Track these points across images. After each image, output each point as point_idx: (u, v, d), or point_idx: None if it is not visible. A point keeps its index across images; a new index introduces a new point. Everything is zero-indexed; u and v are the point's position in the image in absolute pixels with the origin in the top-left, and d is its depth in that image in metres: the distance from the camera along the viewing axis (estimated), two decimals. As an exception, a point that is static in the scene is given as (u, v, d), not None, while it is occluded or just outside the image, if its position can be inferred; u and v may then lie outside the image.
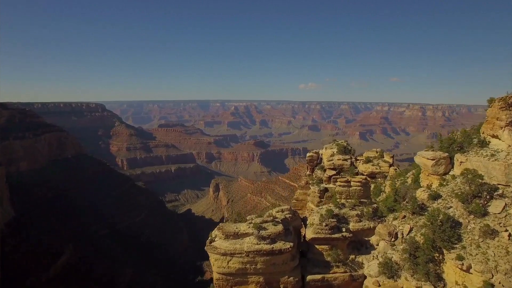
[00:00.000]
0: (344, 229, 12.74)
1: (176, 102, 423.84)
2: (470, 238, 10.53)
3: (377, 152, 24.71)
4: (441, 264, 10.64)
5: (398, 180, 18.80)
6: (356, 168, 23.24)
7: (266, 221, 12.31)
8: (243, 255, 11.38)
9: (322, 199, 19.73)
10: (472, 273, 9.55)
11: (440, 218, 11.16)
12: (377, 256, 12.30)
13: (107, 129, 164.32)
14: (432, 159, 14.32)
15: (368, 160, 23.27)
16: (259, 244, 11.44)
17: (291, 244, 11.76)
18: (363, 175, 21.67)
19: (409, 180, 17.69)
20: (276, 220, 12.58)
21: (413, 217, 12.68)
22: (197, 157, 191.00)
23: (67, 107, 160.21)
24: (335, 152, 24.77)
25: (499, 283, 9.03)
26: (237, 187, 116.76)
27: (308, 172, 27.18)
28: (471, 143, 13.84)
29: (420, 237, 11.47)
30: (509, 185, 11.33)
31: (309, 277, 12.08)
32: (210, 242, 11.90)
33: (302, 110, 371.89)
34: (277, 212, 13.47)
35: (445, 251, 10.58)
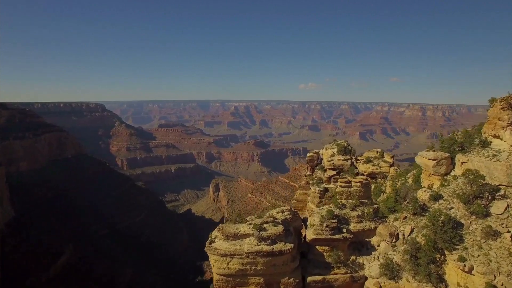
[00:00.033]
0: (344, 230, 12.66)
1: (176, 102, 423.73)
2: (472, 239, 10.45)
3: (377, 152, 24.65)
4: (443, 265, 10.57)
5: (398, 181, 18.71)
6: (357, 168, 23.19)
7: (266, 222, 12.23)
8: (243, 256, 11.31)
9: (322, 199, 19.68)
10: (474, 275, 9.48)
11: (441, 219, 11.08)
12: (378, 257, 12.23)
13: (107, 129, 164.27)
14: (433, 160, 14.24)
15: (368, 160, 23.22)
16: (259, 245, 11.38)
17: (292, 245, 11.69)
18: (363, 175, 21.61)
19: (410, 181, 17.62)
20: (277, 221, 12.51)
21: (414, 217, 12.61)
22: (197, 157, 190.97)
23: (67, 107, 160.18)
24: (335, 152, 24.72)
25: (502, 284, 8.96)
26: (237, 187, 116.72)
27: (308, 172, 27.13)
28: (472, 143, 13.76)
29: (421, 238, 11.39)
30: (511, 186, 11.25)
31: (309, 278, 12.01)
32: (210, 243, 11.84)
33: (302, 110, 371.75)
34: (278, 212, 13.39)
35: (446, 252, 10.50)
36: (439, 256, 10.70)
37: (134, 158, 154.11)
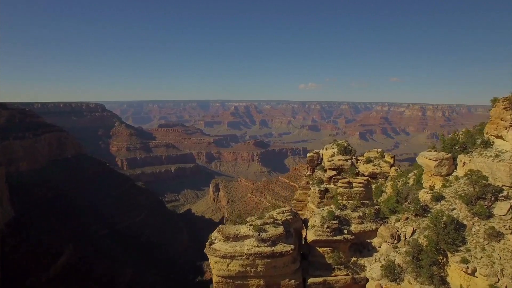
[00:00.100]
0: (345, 231, 12.55)
1: (176, 102, 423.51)
2: (474, 241, 10.32)
3: (377, 153, 24.55)
4: (445, 267, 10.44)
5: (399, 181, 18.62)
6: (357, 168, 23.10)
7: (267, 223, 12.12)
8: (243, 257, 11.22)
9: (323, 200, 19.52)
10: (477, 277, 9.37)
11: (443, 220, 10.96)
12: (379, 258, 12.11)
13: (107, 129, 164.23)
14: (435, 160, 14.14)
15: (368, 161, 23.12)
16: (260, 246, 11.28)
17: (292, 246, 11.58)
18: (363, 175, 21.56)
19: (411, 181, 17.52)
20: (277, 222, 12.40)
21: (416, 218, 12.49)
22: (197, 157, 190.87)
23: (67, 107, 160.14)
24: (335, 153, 24.63)
25: (506, 287, 8.85)
26: (237, 187, 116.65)
27: (308, 173, 27.05)
28: (474, 144, 13.65)
29: (423, 239, 11.27)
30: (514, 187, 11.16)
31: (310, 280, 11.91)
32: (210, 245, 11.73)
33: (302, 110, 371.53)
34: (278, 213, 13.28)
35: (449, 254, 10.38)
36: (441, 257, 10.58)
37: (134, 158, 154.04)
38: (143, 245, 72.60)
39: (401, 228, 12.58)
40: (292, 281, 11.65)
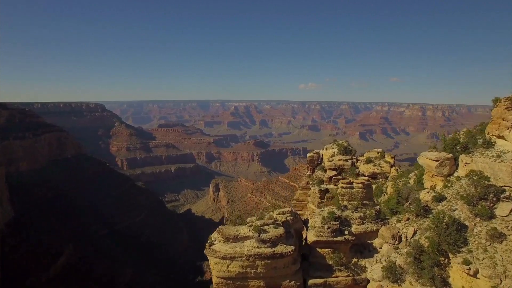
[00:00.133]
0: (346, 232, 12.47)
1: (176, 102, 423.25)
2: (476, 242, 10.24)
3: (378, 153, 24.47)
4: (447, 268, 10.35)
5: (400, 181, 18.54)
6: (357, 168, 23.02)
7: (267, 224, 12.05)
8: (243, 258, 11.14)
9: (323, 200, 19.46)
10: (479, 278, 9.28)
11: (445, 220, 10.88)
12: (380, 259, 12.04)
13: (107, 129, 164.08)
14: (436, 160, 14.08)
15: (369, 161, 23.03)
16: (260, 247, 11.20)
17: (293, 247, 11.51)
18: (364, 175, 21.48)
19: (412, 181, 17.43)
20: (277, 222, 12.32)
21: (417, 219, 12.40)
22: (197, 157, 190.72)
23: (67, 107, 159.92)
24: (335, 153, 24.56)
25: (508, 288, 8.78)
26: (237, 187, 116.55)
27: (308, 173, 26.98)
28: (476, 144, 13.58)
29: (424, 240, 11.19)
30: (516, 187, 11.09)
31: (310, 281, 11.84)
32: (210, 245, 11.65)
33: (302, 110, 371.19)
34: (278, 214, 13.20)
35: (451, 255, 10.30)
36: (443, 259, 10.50)
37: (134, 158, 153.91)
38: (143, 245, 72.55)
39: (402, 229, 12.50)
40: (293, 282, 11.58)
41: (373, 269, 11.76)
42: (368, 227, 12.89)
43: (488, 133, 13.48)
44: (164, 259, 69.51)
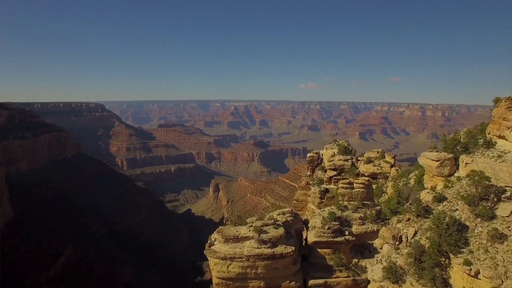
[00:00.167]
0: (347, 232, 12.45)
1: (176, 102, 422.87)
2: (477, 242, 10.21)
3: (378, 153, 24.46)
4: (448, 269, 10.33)
5: (400, 181, 18.53)
6: (357, 168, 23.00)
7: (267, 224, 12.02)
8: (243, 259, 11.11)
9: (323, 200, 19.45)
10: (480, 279, 9.25)
11: (446, 221, 10.85)
12: (381, 260, 12.01)
13: (107, 129, 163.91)
14: (436, 160, 14.06)
15: (369, 161, 23.02)
16: (260, 248, 11.17)
17: (293, 248, 11.48)
18: (364, 175, 21.46)
19: (412, 181, 17.42)
20: (277, 223, 12.29)
21: (418, 219, 12.38)
22: (197, 157, 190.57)
23: (66, 107, 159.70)
24: (335, 153, 24.54)
25: (509, 289, 8.74)
26: (237, 187, 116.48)
27: (308, 173, 26.96)
28: (476, 144, 13.57)
29: (425, 240, 11.16)
30: (517, 187, 11.05)
31: (311, 282, 11.82)
32: (210, 246, 11.62)
33: (302, 110, 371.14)
34: (278, 214, 13.18)
35: (451, 256, 10.27)
36: (443, 259, 10.46)
37: (134, 158, 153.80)
38: (143, 245, 72.49)
39: (403, 229, 12.47)
40: (293, 283, 11.55)
41: (374, 269, 11.73)
42: (368, 228, 12.86)
43: (488, 133, 13.48)
44: (164, 259, 69.45)
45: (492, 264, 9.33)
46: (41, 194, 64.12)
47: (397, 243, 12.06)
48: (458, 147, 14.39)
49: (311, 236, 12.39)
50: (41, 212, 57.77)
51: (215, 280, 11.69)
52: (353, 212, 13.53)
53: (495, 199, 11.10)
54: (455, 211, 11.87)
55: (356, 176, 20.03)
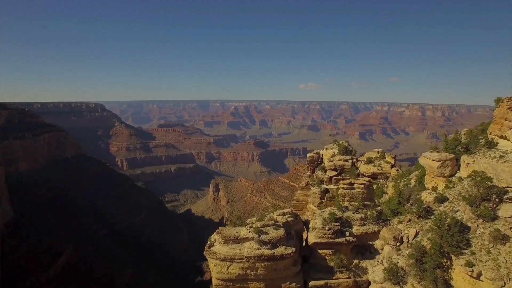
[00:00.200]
0: (347, 233, 12.37)
1: (175, 102, 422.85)
2: (479, 244, 10.13)
3: (378, 153, 24.40)
4: (449, 270, 10.25)
5: (401, 181, 18.45)
6: (357, 168, 22.93)
7: (267, 225, 11.95)
8: (243, 260, 11.04)
9: (323, 200, 19.39)
10: (482, 281, 9.18)
11: (447, 222, 10.77)
12: (381, 261, 11.94)
13: (106, 129, 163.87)
14: (438, 161, 13.98)
15: (369, 161, 22.95)
16: (260, 249, 11.10)
17: (293, 249, 11.42)
18: (364, 176, 21.39)
19: (413, 182, 17.33)
20: (278, 224, 12.22)
21: (419, 220, 12.30)
22: (196, 157, 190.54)
23: (66, 107, 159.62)
24: (336, 153, 24.48)
25: (511, 291, 8.66)
26: (237, 187, 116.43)
27: (308, 173, 26.89)
28: (477, 144, 13.49)
29: (426, 241, 11.08)
30: (519, 188, 10.97)
31: (311, 283, 11.75)
32: (209, 247, 11.56)
33: (301, 110, 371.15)
34: (279, 215, 13.10)
35: (453, 257, 10.19)
36: (445, 260, 10.38)
37: (134, 158, 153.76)
38: (143, 245, 72.45)
39: (404, 230, 12.39)
40: (293, 284, 11.49)
41: (375, 270, 11.65)
42: (369, 228, 12.78)
43: (490, 133, 13.40)
44: (164, 259, 69.41)
45: (494, 266, 9.25)
46: (41, 194, 64.05)
47: (398, 244, 11.99)
48: (459, 148, 14.34)
49: (311, 237, 12.32)
50: (41, 212, 57.71)
51: (215, 282, 11.61)
52: (353, 212, 13.45)
53: (497, 200, 11.02)
54: (456, 212, 11.79)
55: (357, 176, 19.95)
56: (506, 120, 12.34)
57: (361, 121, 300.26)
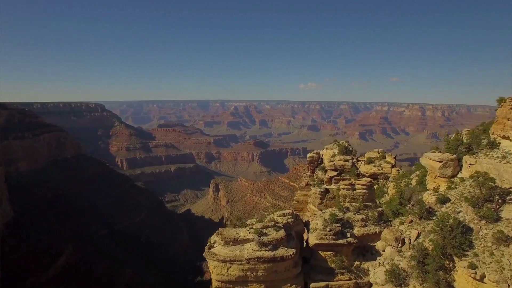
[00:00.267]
0: (348, 234, 12.27)
1: (175, 102, 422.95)
2: (482, 245, 10.02)
3: (379, 153, 24.30)
4: (452, 272, 10.14)
5: (401, 182, 18.34)
6: (358, 169, 22.83)
7: (267, 226, 11.84)
8: (244, 262, 10.94)
9: (323, 201, 19.27)
10: (486, 283, 9.07)
11: (449, 223, 10.65)
12: (383, 262, 11.83)
13: (106, 129, 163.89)
14: (439, 161, 13.86)
15: (369, 161, 22.85)
16: (260, 250, 11.00)
17: (294, 250, 11.32)
18: (365, 176, 21.29)
19: (414, 182, 17.23)
20: (278, 225, 12.12)
21: (421, 221, 12.18)
22: (196, 157, 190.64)
23: (66, 107, 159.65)
24: (336, 153, 24.38)
25: (515, 293, 8.55)
26: (237, 187, 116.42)
27: (308, 173, 26.79)
28: (479, 144, 13.37)
29: (428, 243, 10.97)
30: (522, 189, 10.86)
31: (312, 285, 11.66)
32: (209, 248, 11.46)
33: (301, 110, 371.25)
34: (279, 216, 12.99)
35: (456, 259, 10.08)
36: (448, 262, 10.26)
37: (134, 158, 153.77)
38: (143, 245, 72.43)
39: (406, 231, 12.28)
40: (294, 286, 11.40)
41: (376, 272, 11.55)
42: (370, 230, 12.68)
43: (492, 134, 13.28)
44: (164, 259, 69.40)
45: (498, 268, 9.13)
46: (41, 194, 64.00)
47: (399, 245, 11.88)
48: (461, 148, 14.21)
49: (312, 238, 12.21)
50: (41, 212, 57.66)
51: (214, 283, 11.51)
52: (354, 213, 13.35)
53: (500, 201, 10.90)
54: (458, 213, 11.67)
55: (357, 177, 19.83)
56: (508, 120, 12.24)
57: (361, 121, 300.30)
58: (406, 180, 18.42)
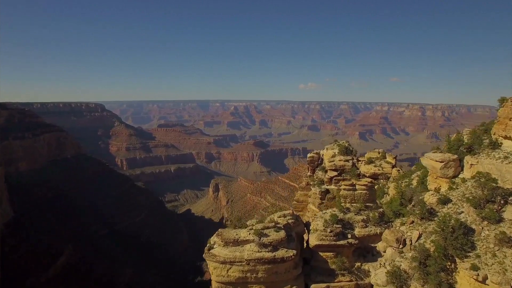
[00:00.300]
0: (349, 235, 12.20)
1: (175, 102, 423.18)
2: (484, 246, 9.93)
3: (379, 153, 24.23)
4: (454, 273, 10.04)
5: (402, 182, 18.27)
6: (358, 169, 22.75)
7: (268, 227, 11.76)
8: (244, 263, 10.87)
9: (324, 201, 19.17)
10: (488, 285, 8.98)
11: (451, 224, 10.56)
12: (384, 263, 11.75)
13: (106, 129, 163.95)
14: (441, 161, 13.79)
15: (370, 161, 22.78)
16: (260, 251, 10.93)
17: (294, 251, 11.24)
18: (365, 176, 21.19)
19: (414, 182, 17.19)
20: (278, 226, 12.04)
21: (422, 222, 12.10)
22: (196, 157, 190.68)
23: (66, 107, 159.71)
24: (336, 153, 24.26)
25: (518, 295, 8.47)
26: (237, 187, 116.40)
27: (309, 173, 26.68)
28: (481, 145, 13.31)
29: (430, 244, 10.88)
30: (524, 190, 10.78)
31: (313, 286, 11.58)
32: (209, 249, 11.38)
33: (301, 110, 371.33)
34: (279, 217, 12.90)
35: (458, 260, 9.99)
36: (449, 263, 10.17)
37: (134, 158, 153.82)
38: (143, 245, 72.42)
39: (407, 232, 12.19)
40: (294, 287, 11.32)
41: (377, 273, 11.47)
42: (371, 230, 12.61)
43: (494, 134, 13.19)
44: (164, 259, 69.37)
45: (500, 269, 9.03)
46: (41, 194, 63.98)
47: (401, 246, 11.80)
48: (463, 148, 14.16)
49: (312, 239, 12.14)
50: (41, 212, 57.63)
51: (214, 285, 11.44)
52: (355, 214, 13.28)
53: (502, 202, 10.83)
54: (460, 213, 11.59)
55: (357, 177, 19.74)
56: (510, 120, 12.16)
57: (361, 121, 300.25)
58: (407, 180, 18.40)
